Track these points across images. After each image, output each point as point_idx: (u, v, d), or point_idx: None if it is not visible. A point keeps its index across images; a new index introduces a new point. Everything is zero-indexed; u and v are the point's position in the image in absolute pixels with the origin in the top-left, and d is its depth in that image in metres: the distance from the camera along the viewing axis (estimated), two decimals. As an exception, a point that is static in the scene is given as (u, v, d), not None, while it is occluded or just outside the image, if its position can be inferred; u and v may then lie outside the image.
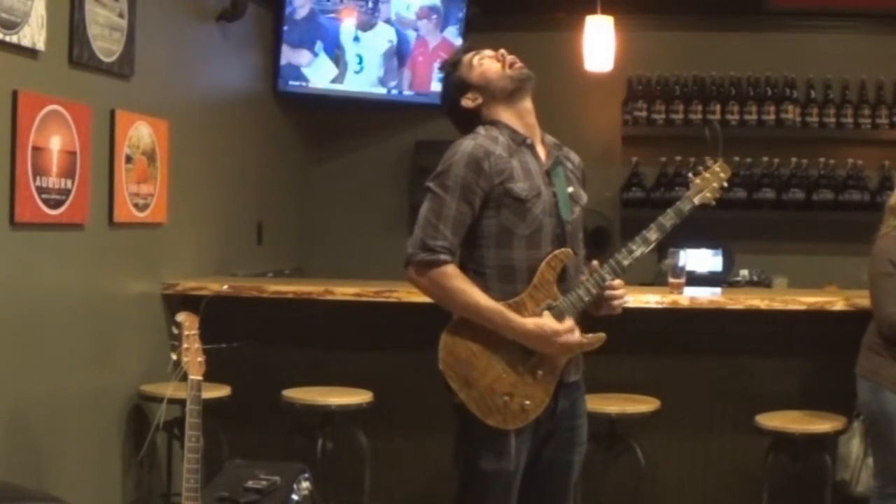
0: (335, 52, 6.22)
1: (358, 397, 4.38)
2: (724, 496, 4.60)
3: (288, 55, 6.05)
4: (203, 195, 5.21)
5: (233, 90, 5.66)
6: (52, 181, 3.81)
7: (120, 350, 4.37)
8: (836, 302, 4.34)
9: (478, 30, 6.36)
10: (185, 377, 3.10)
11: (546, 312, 2.86)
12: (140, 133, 4.49)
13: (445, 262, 2.83)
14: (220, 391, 4.30)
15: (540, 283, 2.87)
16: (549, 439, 2.95)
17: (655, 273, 5.50)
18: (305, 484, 3.71)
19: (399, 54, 6.39)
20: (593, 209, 3.15)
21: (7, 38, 3.51)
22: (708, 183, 3.02)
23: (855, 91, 6.36)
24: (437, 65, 6.04)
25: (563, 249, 2.90)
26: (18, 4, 3.55)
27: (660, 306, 4.35)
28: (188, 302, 4.30)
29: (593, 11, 5.92)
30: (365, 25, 6.26)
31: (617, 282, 2.95)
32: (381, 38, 6.32)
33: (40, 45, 3.70)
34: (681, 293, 4.46)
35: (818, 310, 4.35)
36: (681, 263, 4.53)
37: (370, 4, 6.25)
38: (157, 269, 4.69)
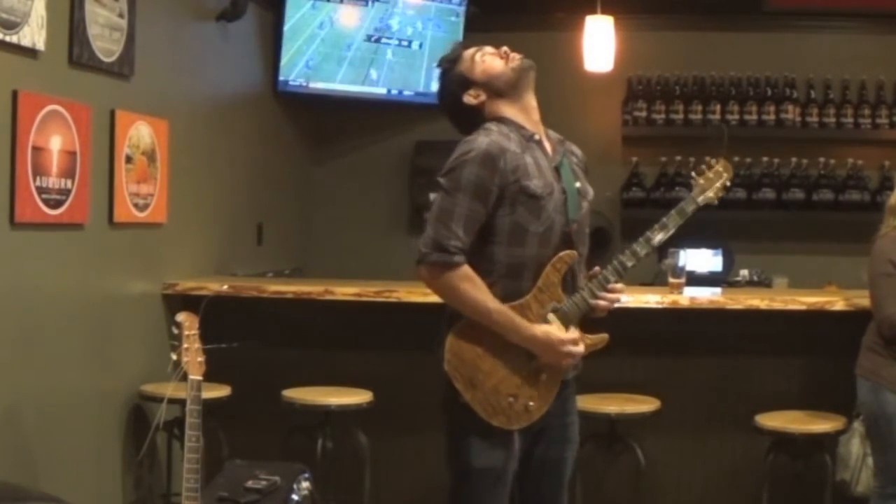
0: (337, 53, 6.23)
1: (358, 397, 4.38)
2: (724, 496, 4.60)
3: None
4: (203, 195, 5.21)
5: (233, 90, 5.66)
6: (52, 181, 3.81)
7: (120, 350, 4.37)
8: (836, 302, 4.34)
9: (478, 29, 6.36)
10: (185, 377, 3.09)
11: (552, 317, 2.85)
12: (140, 133, 4.50)
13: (459, 264, 2.79)
14: (220, 391, 4.30)
15: (545, 285, 2.86)
16: (541, 437, 2.95)
17: (655, 273, 5.50)
18: (305, 484, 3.71)
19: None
20: (594, 209, 3.13)
21: (7, 38, 3.51)
22: (711, 182, 3.01)
23: (855, 91, 6.36)
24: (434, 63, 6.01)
25: (567, 252, 2.88)
26: (18, 4, 3.55)
27: (660, 306, 4.35)
28: (188, 302, 4.30)
29: (593, 11, 5.92)
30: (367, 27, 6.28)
31: (619, 285, 2.95)
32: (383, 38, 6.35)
33: (40, 45, 3.70)
34: (681, 293, 4.46)
35: (818, 310, 4.35)
36: (681, 263, 4.53)
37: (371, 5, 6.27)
38: (157, 269, 4.69)
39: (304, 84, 6.18)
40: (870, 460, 3.98)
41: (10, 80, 3.59)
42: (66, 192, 3.92)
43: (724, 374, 4.58)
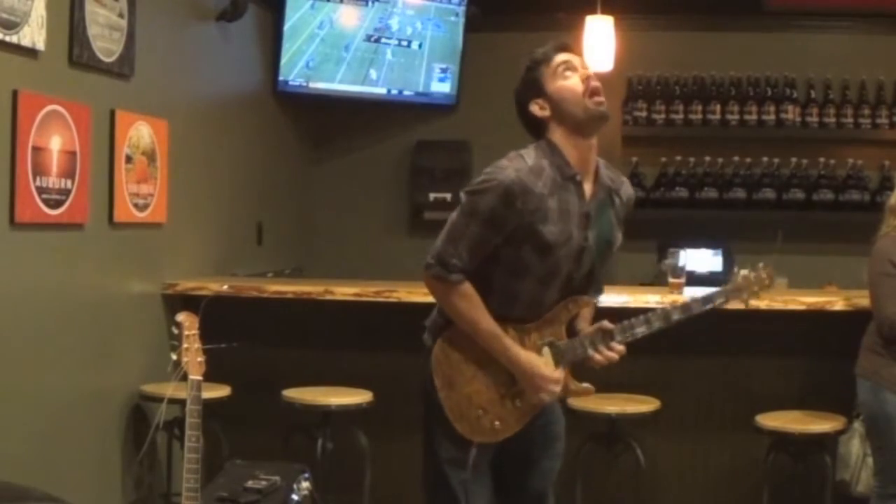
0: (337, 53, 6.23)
1: (358, 397, 4.38)
2: (724, 496, 4.60)
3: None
4: (203, 195, 5.21)
5: (233, 90, 5.66)
6: (52, 181, 3.81)
7: (120, 350, 4.37)
8: (836, 302, 4.34)
9: (478, 30, 6.37)
10: (185, 377, 3.09)
11: (546, 350, 2.85)
12: (140, 133, 4.50)
13: (456, 283, 2.79)
14: (220, 391, 4.30)
15: (552, 319, 2.86)
16: (520, 438, 2.91)
17: (655, 273, 5.50)
18: (305, 484, 3.71)
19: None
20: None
21: (7, 38, 3.51)
22: (749, 284, 2.94)
23: (855, 91, 6.36)
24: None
25: (585, 297, 2.89)
26: (18, 4, 3.55)
27: (660, 306, 4.34)
28: (188, 302, 4.30)
29: (593, 11, 5.92)
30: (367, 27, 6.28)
31: (620, 347, 2.88)
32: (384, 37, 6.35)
33: (40, 45, 3.70)
34: (681, 293, 4.46)
35: (818, 310, 4.35)
36: (681, 263, 4.53)
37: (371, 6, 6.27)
38: (157, 269, 4.69)
39: (304, 84, 6.18)
40: (870, 460, 3.98)
41: (10, 80, 3.59)
42: (66, 192, 3.92)
43: (724, 374, 4.58)
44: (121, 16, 4.30)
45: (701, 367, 4.58)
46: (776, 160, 6.35)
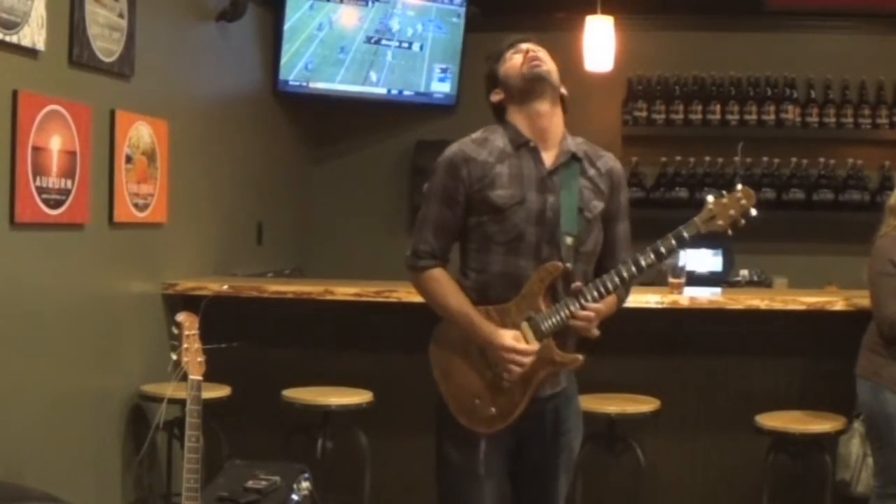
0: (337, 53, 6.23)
1: (358, 397, 4.38)
2: (724, 496, 4.60)
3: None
4: (203, 195, 5.21)
5: (233, 90, 5.66)
6: (52, 181, 3.81)
7: (120, 350, 4.37)
8: (836, 302, 4.33)
9: (478, 30, 6.37)
10: (185, 377, 3.09)
11: (525, 325, 2.83)
12: (140, 133, 4.50)
13: (425, 268, 2.88)
14: (220, 391, 4.30)
15: (528, 293, 2.82)
16: (531, 442, 2.91)
17: (655, 273, 5.49)
18: (305, 484, 3.71)
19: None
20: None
21: (7, 38, 3.51)
22: (724, 209, 2.79)
23: (855, 91, 6.36)
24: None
25: (553, 263, 2.81)
26: (18, 4, 3.55)
27: (660, 306, 4.35)
28: (188, 302, 4.30)
29: (593, 11, 5.93)
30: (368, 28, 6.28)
31: (594, 305, 2.80)
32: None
33: (40, 45, 3.70)
34: (681, 293, 4.46)
35: (818, 310, 4.35)
36: (681, 263, 4.53)
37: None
38: (157, 269, 4.69)
39: (304, 84, 6.18)
40: (870, 460, 3.98)
41: (10, 80, 3.59)
42: (66, 192, 3.92)
43: (724, 374, 4.58)
44: (121, 16, 4.30)
45: (701, 367, 4.58)
46: (776, 160, 6.36)
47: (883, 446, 3.79)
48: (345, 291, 4.55)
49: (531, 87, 2.89)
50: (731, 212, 2.79)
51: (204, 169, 5.22)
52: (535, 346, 2.80)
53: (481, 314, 2.83)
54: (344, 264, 6.56)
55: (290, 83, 6.13)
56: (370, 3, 6.27)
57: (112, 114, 4.28)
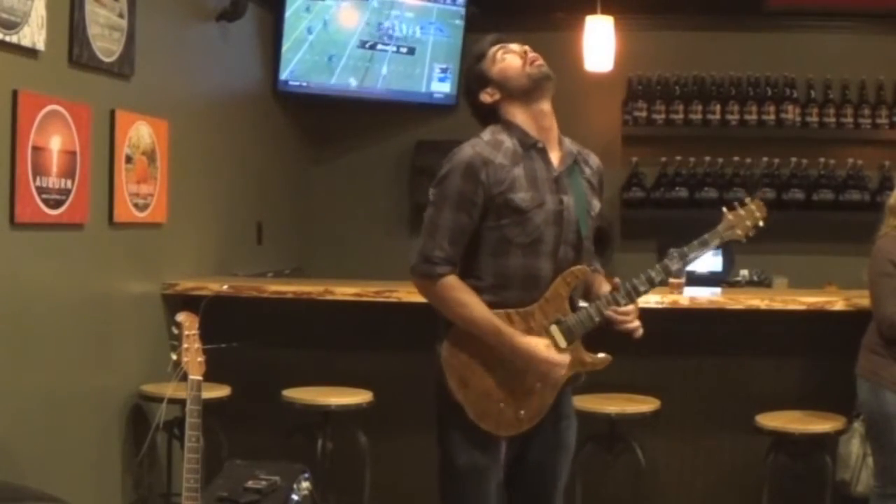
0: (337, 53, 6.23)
1: (358, 397, 4.38)
2: (724, 496, 4.60)
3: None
4: (203, 195, 5.21)
5: (233, 90, 5.66)
6: (52, 181, 3.81)
7: (120, 350, 4.37)
8: (836, 302, 4.33)
9: (477, 30, 6.36)
10: (185, 377, 3.09)
11: (554, 329, 2.84)
12: (140, 133, 4.50)
13: (442, 275, 2.81)
14: (220, 391, 4.30)
15: (552, 297, 2.85)
16: (533, 441, 2.93)
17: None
18: (305, 484, 3.70)
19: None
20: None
21: (7, 38, 3.51)
22: (741, 220, 2.97)
23: (855, 91, 6.36)
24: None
25: (579, 267, 2.88)
26: (18, 4, 3.55)
27: (660, 306, 4.35)
28: (188, 302, 4.30)
29: (593, 11, 5.93)
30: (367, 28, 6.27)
31: (630, 307, 2.90)
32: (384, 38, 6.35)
33: (40, 45, 3.70)
34: (681, 293, 4.46)
35: (818, 310, 4.35)
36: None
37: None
38: (157, 269, 4.69)
39: (304, 84, 6.18)
40: (870, 460, 3.98)
41: (10, 80, 3.59)
42: (66, 192, 3.92)
43: (724, 374, 4.58)
44: (121, 16, 4.30)
45: (701, 367, 4.58)
46: (776, 160, 6.36)
47: (883, 446, 3.79)
48: (345, 291, 4.55)
49: (538, 86, 2.90)
50: (748, 222, 2.97)
51: (204, 169, 5.22)
52: (567, 354, 2.84)
53: (503, 319, 2.82)
54: (344, 264, 6.56)
55: (290, 83, 6.12)
56: (370, 3, 6.26)
57: (112, 114, 4.28)
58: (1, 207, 3.56)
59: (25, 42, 3.61)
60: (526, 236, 2.82)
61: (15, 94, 3.59)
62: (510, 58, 2.93)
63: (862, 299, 4.07)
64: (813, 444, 4.11)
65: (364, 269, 6.01)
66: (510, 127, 2.90)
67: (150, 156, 4.59)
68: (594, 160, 3.06)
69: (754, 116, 6.37)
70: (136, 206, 4.48)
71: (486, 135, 2.89)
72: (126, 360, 4.41)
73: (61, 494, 3.23)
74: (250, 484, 3.58)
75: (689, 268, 4.74)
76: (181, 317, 3.14)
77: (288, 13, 5.98)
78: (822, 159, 6.31)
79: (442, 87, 6.54)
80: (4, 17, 3.49)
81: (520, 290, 2.84)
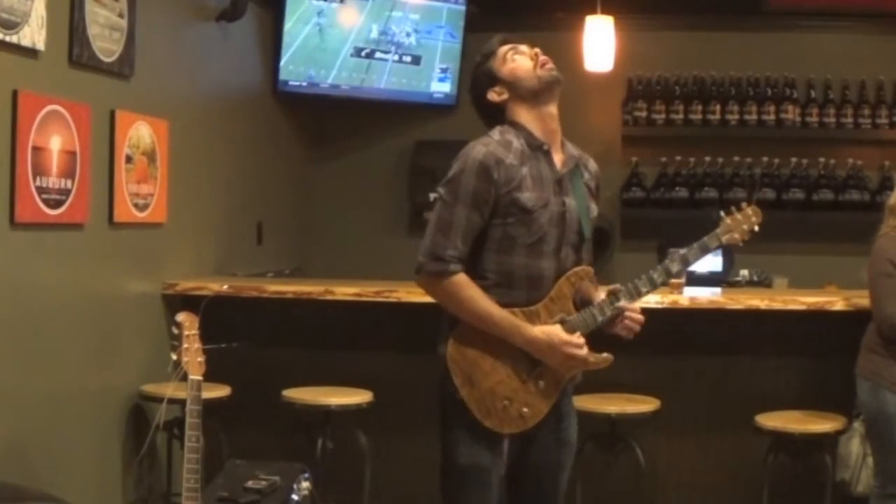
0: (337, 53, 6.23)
1: (358, 397, 4.38)
2: (724, 496, 4.60)
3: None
4: (203, 195, 5.21)
5: (233, 90, 5.66)
6: (52, 181, 3.81)
7: (120, 350, 4.37)
8: (836, 302, 4.34)
9: (477, 30, 6.36)
10: (185, 377, 3.09)
11: (558, 326, 2.85)
12: (140, 133, 4.50)
13: (455, 272, 2.82)
14: (220, 391, 4.30)
15: (557, 297, 2.87)
16: (535, 440, 2.93)
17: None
18: (305, 484, 3.70)
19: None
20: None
21: (7, 38, 3.51)
22: (738, 224, 3.02)
23: (855, 91, 6.36)
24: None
25: (583, 267, 2.92)
26: (18, 4, 3.55)
27: (660, 306, 4.35)
28: (188, 302, 4.30)
29: (593, 11, 5.93)
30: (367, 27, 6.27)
31: (634, 306, 2.93)
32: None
33: (40, 45, 3.70)
34: (681, 293, 4.46)
35: (818, 310, 4.35)
36: (681, 263, 4.52)
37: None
38: (157, 269, 4.69)
39: (304, 84, 6.18)
40: (870, 460, 3.99)
41: (10, 80, 3.59)
42: (66, 192, 3.92)
43: (724, 374, 4.58)
44: (121, 16, 4.30)
45: (701, 367, 4.58)
46: (776, 160, 6.36)
47: (883, 446, 3.79)
48: (345, 291, 4.54)
49: (548, 88, 2.92)
50: (745, 226, 3.03)
51: (204, 169, 5.22)
52: (582, 339, 2.87)
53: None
54: (344, 264, 6.55)
55: (290, 83, 6.12)
56: (371, 3, 6.25)
57: (112, 114, 4.28)
58: (1, 207, 3.56)
59: (25, 42, 3.61)
60: (530, 235, 2.84)
61: (15, 94, 3.59)
62: (521, 59, 2.95)
63: (862, 299, 4.07)
64: (813, 444, 4.11)
65: (364, 269, 6.01)
66: (517, 128, 2.92)
67: (150, 156, 4.59)
68: (593, 165, 3.09)
69: (754, 116, 6.36)
70: (136, 206, 4.48)
71: (496, 134, 2.90)
72: (126, 360, 4.41)
73: (61, 494, 3.23)
74: (250, 484, 3.59)
75: (690, 268, 4.77)
76: (181, 317, 3.14)
77: (288, 13, 5.98)
78: (822, 159, 6.31)
79: (442, 87, 6.54)
80: (4, 17, 3.49)
81: (523, 289, 2.86)
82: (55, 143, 3.82)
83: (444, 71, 6.52)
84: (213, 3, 5.27)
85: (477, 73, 3.00)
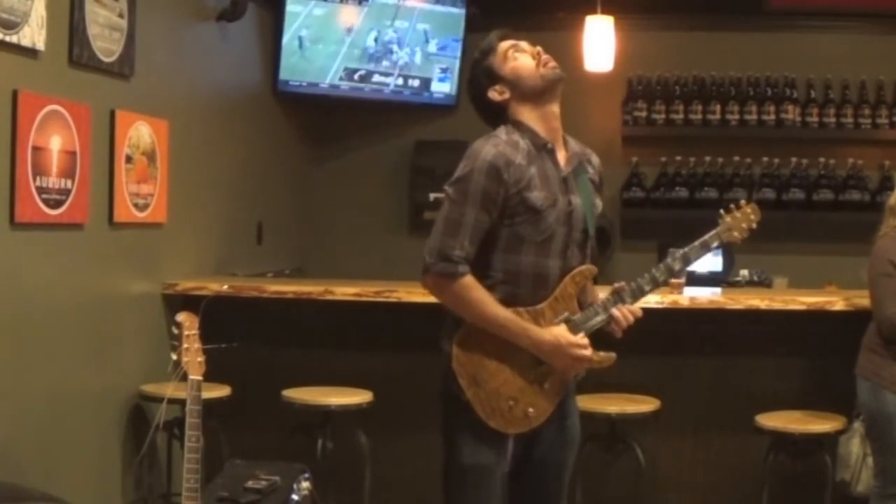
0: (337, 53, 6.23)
1: (358, 397, 4.38)
2: (724, 496, 4.60)
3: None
4: (203, 195, 5.21)
5: (233, 90, 5.66)
6: (52, 181, 3.81)
7: (120, 350, 4.37)
8: (836, 302, 4.34)
9: (477, 30, 6.36)
10: (185, 377, 3.09)
11: (562, 325, 2.85)
12: (140, 133, 4.50)
13: (463, 274, 2.80)
14: (220, 391, 4.30)
15: (562, 296, 2.87)
16: (539, 439, 2.93)
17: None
18: (305, 484, 3.71)
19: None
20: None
21: (7, 38, 3.51)
22: (737, 222, 3.02)
23: (855, 91, 6.36)
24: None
25: (588, 266, 2.91)
26: (18, 4, 3.55)
27: (660, 306, 4.35)
28: (188, 302, 4.30)
29: (593, 11, 5.93)
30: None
31: (636, 306, 2.93)
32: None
33: (40, 45, 3.70)
34: (681, 293, 4.46)
35: (818, 310, 4.35)
36: (681, 263, 4.52)
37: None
38: (157, 269, 4.69)
39: (304, 84, 6.18)
40: (870, 460, 3.98)
41: (10, 80, 3.59)
42: (66, 192, 3.92)
43: (724, 374, 4.58)
44: (121, 16, 4.30)
45: (701, 367, 4.58)
46: (776, 160, 6.36)
47: (883, 446, 3.79)
48: (345, 291, 4.54)
49: (551, 87, 2.91)
50: (744, 224, 3.03)
51: (204, 169, 5.22)
52: (587, 339, 2.87)
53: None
54: (344, 264, 6.56)
55: (291, 83, 6.12)
56: (371, 3, 6.24)
57: (112, 114, 4.28)
58: (1, 207, 3.56)
59: (25, 42, 3.61)
60: (539, 234, 2.83)
61: (15, 94, 3.59)
62: (523, 57, 2.92)
63: (862, 299, 4.07)
64: (813, 444, 4.11)
65: (364, 269, 6.02)
66: (521, 127, 2.90)
67: (150, 156, 4.59)
68: (595, 159, 3.08)
69: (754, 116, 6.36)
70: (136, 206, 4.48)
71: (503, 134, 2.88)
72: (126, 360, 4.41)
73: (62, 494, 3.23)
74: (250, 484, 3.59)
75: (690, 268, 4.77)
76: (181, 317, 3.14)
77: (288, 13, 5.98)
78: (822, 159, 6.31)
79: (442, 87, 6.54)
80: (4, 17, 3.49)
81: (529, 288, 2.85)
82: (55, 143, 3.82)
83: (444, 71, 6.52)
84: (213, 3, 5.27)
85: (476, 70, 2.97)
